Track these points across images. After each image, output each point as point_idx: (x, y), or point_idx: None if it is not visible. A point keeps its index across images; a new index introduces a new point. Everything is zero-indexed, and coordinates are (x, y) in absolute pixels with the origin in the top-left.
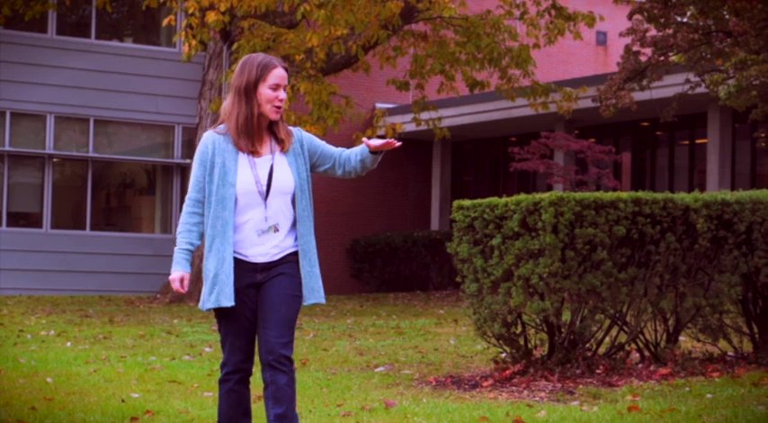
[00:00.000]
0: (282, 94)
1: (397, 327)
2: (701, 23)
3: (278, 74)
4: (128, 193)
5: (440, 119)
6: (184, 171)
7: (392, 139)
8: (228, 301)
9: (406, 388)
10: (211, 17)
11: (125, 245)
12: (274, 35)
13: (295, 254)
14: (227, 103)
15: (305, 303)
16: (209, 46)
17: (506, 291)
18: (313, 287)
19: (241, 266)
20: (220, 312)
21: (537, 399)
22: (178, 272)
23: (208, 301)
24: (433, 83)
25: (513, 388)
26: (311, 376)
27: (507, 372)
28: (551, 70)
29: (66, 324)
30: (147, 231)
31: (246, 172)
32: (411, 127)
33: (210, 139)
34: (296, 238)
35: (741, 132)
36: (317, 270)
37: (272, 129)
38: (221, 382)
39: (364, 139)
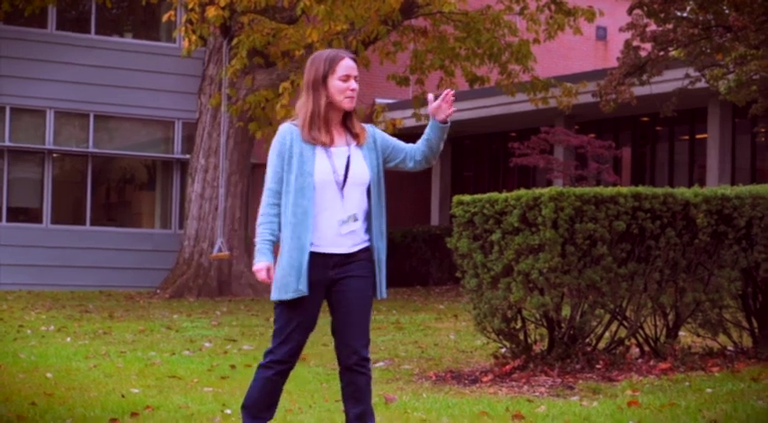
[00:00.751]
0: (354, 84)
1: (396, 322)
2: (700, 18)
3: (346, 64)
4: (128, 188)
5: None
6: (184, 166)
7: (448, 94)
8: (305, 290)
9: (405, 383)
10: (211, 12)
11: (125, 240)
12: (274, 30)
13: (367, 250)
14: (301, 99)
15: (380, 297)
16: (209, 41)
17: (506, 286)
18: (381, 281)
19: (315, 259)
20: (287, 302)
21: (537, 394)
22: (263, 262)
23: (285, 290)
24: (433, 78)
25: (513, 383)
26: (311, 371)
27: (507, 367)
28: (551, 65)
29: (66, 319)
30: (147, 227)
31: (324, 162)
32: (411, 122)
33: (288, 131)
34: (367, 231)
35: (741, 127)
36: (384, 265)
37: (346, 123)
38: (262, 367)
39: (429, 95)
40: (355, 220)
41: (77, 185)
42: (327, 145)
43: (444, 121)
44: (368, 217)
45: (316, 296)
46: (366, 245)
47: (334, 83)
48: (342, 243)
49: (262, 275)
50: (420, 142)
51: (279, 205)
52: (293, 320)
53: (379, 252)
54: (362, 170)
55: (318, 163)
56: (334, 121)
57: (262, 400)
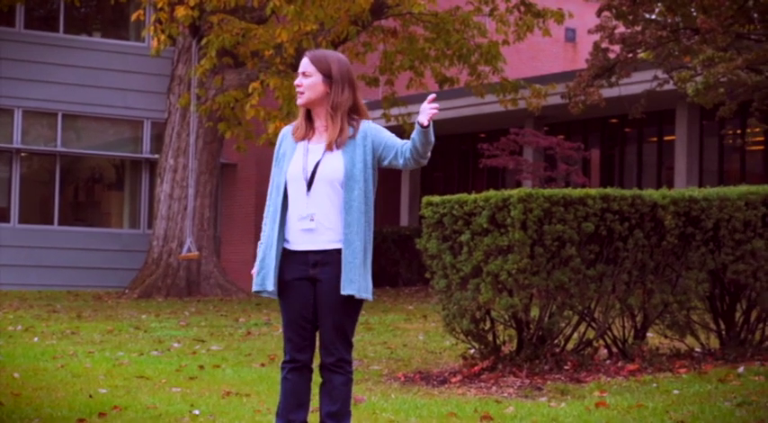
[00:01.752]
0: (297, 80)
1: (366, 322)
2: (669, 21)
3: (302, 63)
4: (96, 188)
5: (409, 114)
6: (153, 166)
7: (430, 98)
8: (271, 284)
9: (374, 384)
10: (180, 12)
11: (93, 240)
12: (244, 30)
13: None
14: None
15: (341, 293)
16: (178, 41)
17: (475, 287)
18: (352, 278)
19: (292, 257)
20: (280, 301)
21: (505, 395)
22: (255, 268)
23: (254, 284)
24: (403, 79)
25: (482, 384)
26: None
27: (476, 368)
28: (520, 67)
29: (34, 319)
30: (116, 226)
31: (299, 159)
32: (380, 123)
33: (282, 133)
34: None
35: (709, 129)
36: (359, 261)
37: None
38: (280, 369)
39: (428, 99)
40: (311, 220)
41: (45, 185)
42: (304, 139)
43: (425, 126)
44: (346, 213)
45: (299, 293)
46: (341, 245)
47: None
48: (313, 240)
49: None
50: (409, 141)
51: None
52: (284, 319)
53: (354, 246)
54: (334, 167)
55: (294, 159)
56: (319, 117)
57: (287, 402)
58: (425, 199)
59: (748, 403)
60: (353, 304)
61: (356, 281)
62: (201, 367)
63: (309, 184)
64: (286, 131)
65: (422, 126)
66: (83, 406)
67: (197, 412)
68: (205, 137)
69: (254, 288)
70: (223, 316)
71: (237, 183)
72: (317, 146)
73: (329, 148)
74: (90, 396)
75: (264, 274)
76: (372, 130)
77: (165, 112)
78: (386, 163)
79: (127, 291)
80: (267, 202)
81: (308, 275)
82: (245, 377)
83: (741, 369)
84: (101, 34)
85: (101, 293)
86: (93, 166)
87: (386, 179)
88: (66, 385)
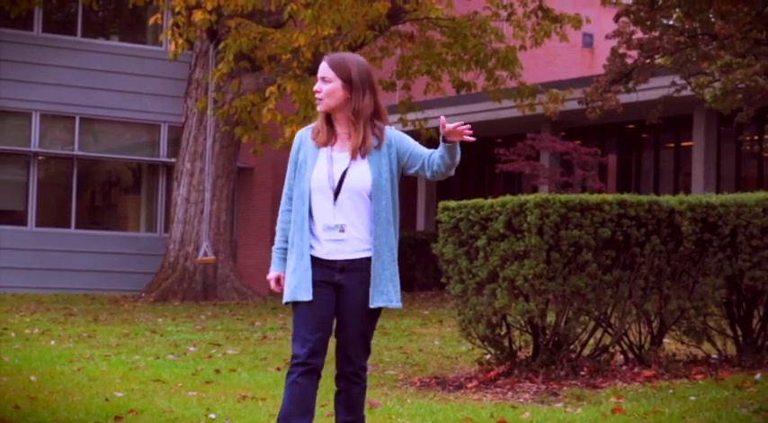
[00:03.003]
0: (316, 86)
1: (381, 327)
2: (686, 26)
3: (320, 67)
4: (113, 191)
5: (426, 119)
6: (170, 170)
7: (465, 127)
8: (306, 295)
9: (390, 388)
10: (198, 16)
11: (110, 243)
12: (261, 34)
13: (370, 259)
14: None
15: (371, 305)
16: (196, 45)
17: (491, 292)
18: (382, 289)
19: (319, 263)
20: (296, 305)
21: (521, 400)
22: (274, 272)
23: (287, 294)
24: (420, 83)
25: (498, 389)
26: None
27: (492, 373)
28: (538, 72)
29: (51, 322)
30: (133, 230)
31: (323, 167)
32: (397, 127)
33: (299, 136)
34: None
35: (726, 135)
36: (390, 272)
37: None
38: (287, 374)
39: (442, 117)
40: (341, 231)
41: (63, 188)
42: (326, 145)
43: (452, 142)
44: (375, 224)
45: (323, 296)
46: (369, 254)
47: None
48: (341, 249)
49: (272, 285)
50: (436, 154)
51: (291, 211)
52: (302, 321)
53: (383, 258)
54: (362, 176)
55: (317, 168)
56: (340, 123)
57: (293, 408)
58: (442, 204)
59: (765, 410)
60: (377, 312)
61: (386, 293)
62: (217, 371)
63: (336, 193)
64: (304, 135)
65: (446, 141)
66: (99, 409)
67: (213, 416)
68: (222, 141)
69: (287, 299)
70: (239, 320)
71: (254, 187)
72: (341, 154)
73: (353, 156)
74: (106, 399)
75: (297, 284)
76: (396, 138)
77: (182, 115)
78: (412, 171)
79: (143, 294)
80: (284, 207)
81: (333, 280)
82: (261, 381)
83: (758, 376)
84: (118, 38)
85: (117, 297)
86: (110, 170)
87: (402, 184)
88: (82, 389)
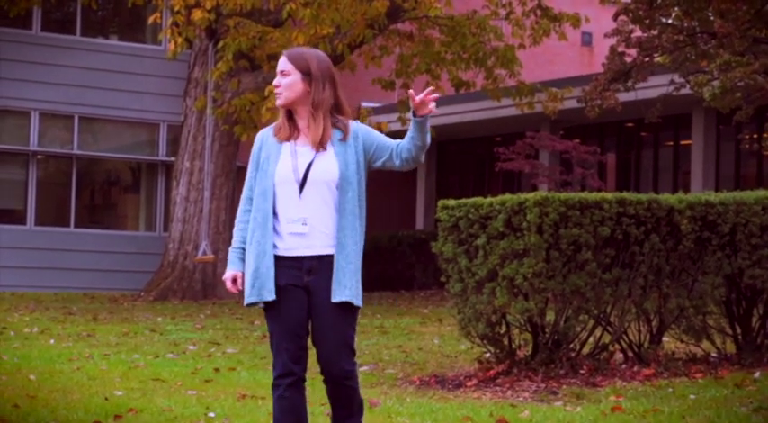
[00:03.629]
0: (275, 80)
1: (381, 326)
2: (685, 25)
3: (279, 62)
4: (112, 190)
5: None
6: (169, 169)
7: (431, 91)
8: (270, 294)
9: (389, 387)
10: (197, 15)
11: (109, 242)
12: (260, 33)
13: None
14: None
15: (332, 300)
16: (195, 44)
17: (491, 291)
18: (345, 283)
19: (284, 263)
20: (268, 311)
21: (521, 399)
22: (231, 271)
23: (249, 295)
24: (419, 82)
25: (497, 388)
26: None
27: (491, 372)
28: (537, 70)
29: (50, 321)
30: (132, 229)
31: (286, 161)
32: (396, 126)
33: (260, 136)
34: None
35: (725, 134)
36: (353, 266)
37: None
38: (273, 387)
39: (410, 91)
40: (303, 224)
41: (62, 187)
42: (288, 140)
43: (423, 116)
44: (340, 215)
45: (294, 299)
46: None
47: None
48: (306, 244)
49: (228, 285)
50: (405, 140)
51: (251, 211)
52: (276, 329)
53: (347, 251)
54: (328, 168)
55: (281, 162)
56: (301, 117)
57: (285, 420)
58: (441, 202)
59: (765, 408)
60: (352, 310)
61: (350, 287)
62: (217, 370)
63: (302, 186)
64: (265, 134)
65: (420, 117)
66: (98, 408)
67: (212, 415)
68: (221, 140)
69: (249, 300)
70: (238, 319)
71: None
72: (304, 147)
73: (315, 147)
74: (106, 398)
75: (261, 285)
76: (363, 130)
77: (181, 115)
78: (379, 164)
79: (143, 293)
80: (243, 207)
81: (302, 283)
82: (261, 380)
83: (757, 374)
84: (117, 37)
85: (117, 296)
86: (110, 169)
87: (402, 183)
88: (81, 387)
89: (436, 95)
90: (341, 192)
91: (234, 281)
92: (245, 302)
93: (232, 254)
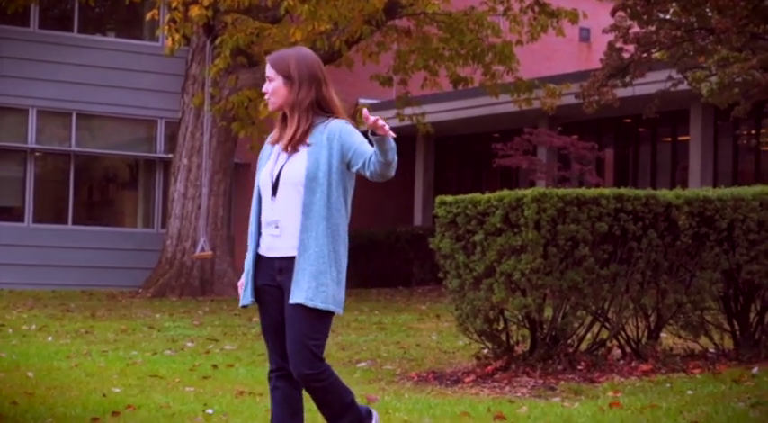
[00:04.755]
0: (264, 87)
1: (379, 322)
2: (683, 20)
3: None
4: (110, 187)
5: (423, 114)
6: (167, 166)
7: (383, 125)
8: (250, 295)
9: (387, 383)
10: (195, 11)
11: (107, 239)
12: (258, 30)
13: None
14: None
15: (289, 302)
16: (193, 40)
17: (488, 287)
18: (303, 286)
19: (263, 264)
20: (258, 309)
21: (518, 394)
22: (242, 279)
23: (241, 299)
24: (417, 78)
25: (495, 384)
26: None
27: (489, 367)
28: (534, 66)
29: (48, 318)
30: (130, 226)
31: (270, 165)
32: (394, 123)
33: (267, 140)
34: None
35: (723, 130)
36: (314, 269)
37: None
38: (268, 380)
39: (364, 110)
40: (276, 226)
41: (60, 184)
42: (276, 142)
43: (379, 135)
44: (304, 216)
45: (272, 299)
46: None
47: None
48: (278, 246)
49: (240, 291)
50: (373, 154)
51: None
52: (263, 327)
53: (309, 252)
54: (297, 169)
55: (267, 166)
56: (291, 120)
57: (279, 411)
58: (439, 198)
59: (762, 404)
60: (318, 313)
61: (306, 289)
62: (215, 366)
63: (275, 188)
64: (270, 137)
65: (374, 135)
66: (96, 405)
67: (210, 411)
68: (219, 136)
69: (242, 302)
70: (237, 315)
71: (251, 182)
72: (283, 150)
73: (285, 149)
74: (103, 395)
75: (245, 286)
76: (344, 132)
77: (178, 111)
78: (354, 170)
79: (141, 290)
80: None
81: (275, 283)
82: (259, 376)
83: (755, 370)
84: (115, 34)
85: (115, 293)
86: (107, 166)
87: (399, 180)
88: (79, 384)
89: (386, 127)
90: (308, 192)
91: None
92: (240, 305)
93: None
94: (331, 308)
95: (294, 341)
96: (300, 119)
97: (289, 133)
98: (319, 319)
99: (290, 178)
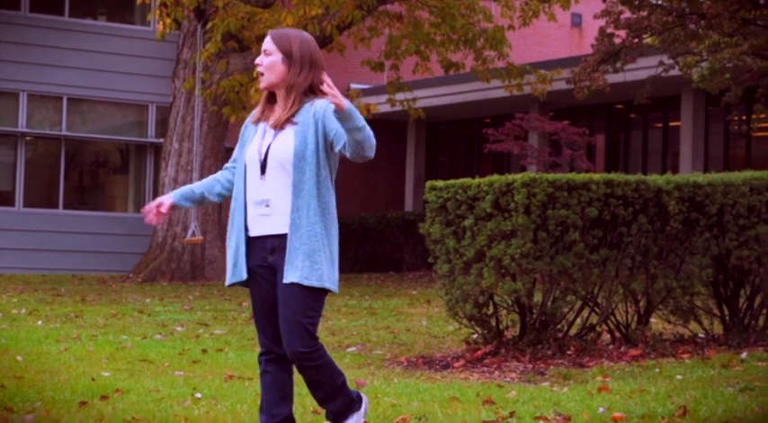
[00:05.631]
0: (257, 59)
1: (369, 307)
2: (674, 6)
3: (264, 41)
4: (101, 172)
5: (414, 100)
6: (158, 150)
7: (333, 93)
8: (243, 273)
9: (377, 368)
10: None
11: (98, 224)
12: (249, 14)
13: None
14: None
15: (284, 281)
16: (184, 25)
17: (478, 271)
18: (297, 265)
19: (253, 243)
20: (249, 292)
21: (508, 379)
22: (162, 197)
23: (229, 276)
24: (408, 63)
25: (485, 368)
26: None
27: (479, 352)
28: (526, 52)
29: (38, 303)
30: (120, 211)
31: (255, 143)
32: (386, 108)
33: (249, 116)
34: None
35: (714, 115)
36: (307, 248)
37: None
38: (258, 363)
39: (325, 83)
40: (267, 205)
41: (50, 169)
42: (260, 121)
43: (340, 110)
44: (294, 196)
45: (264, 280)
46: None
47: None
48: (269, 224)
49: (152, 205)
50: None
51: (227, 172)
52: (253, 309)
53: (301, 231)
54: (284, 147)
55: (252, 144)
56: (279, 98)
57: (268, 395)
58: (429, 183)
59: (751, 389)
60: (310, 292)
61: (300, 268)
62: (204, 351)
63: (263, 166)
64: (252, 114)
65: (338, 112)
66: (85, 389)
67: (199, 396)
68: (210, 121)
69: (229, 281)
70: (227, 300)
71: None
72: (271, 128)
73: (274, 126)
74: (93, 379)
75: (237, 265)
76: (327, 112)
77: (169, 96)
78: (337, 150)
79: (131, 275)
80: (227, 166)
81: (267, 263)
82: (248, 361)
83: (744, 355)
84: (106, 18)
85: (105, 277)
86: (98, 151)
87: (390, 164)
88: (69, 368)
89: (336, 97)
90: (297, 171)
91: (158, 206)
92: (226, 283)
93: (177, 190)
94: (326, 285)
95: (288, 320)
96: (295, 100)
97: (280, 113)
98: (314, 298)
99: (277, 156)
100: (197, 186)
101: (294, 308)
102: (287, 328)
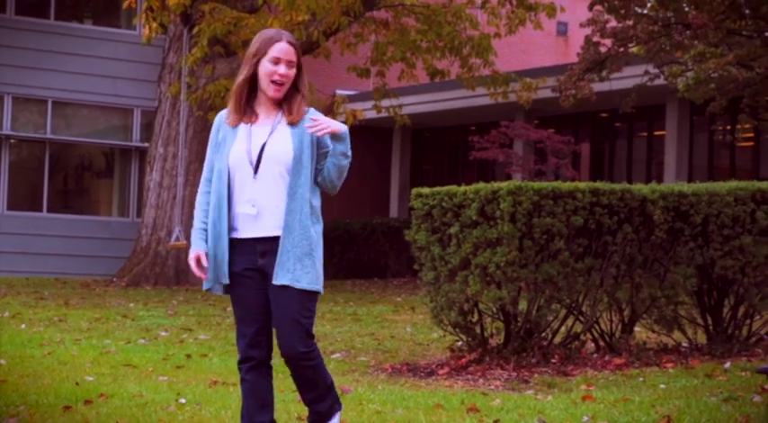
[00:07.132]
0: (282, 69)
1: (354, 314)
2: (660, 15)
3: (280, 47)
4: (85, 175)
5: (400, 106)
6: (142, 154)
7: (331, 128)
8: (224, 278)
9: (361, 375)
10: (172, 0)
11: (82, 227)
12: (235, 20)
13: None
14: None
15: (273, 282)
16: (170, 29)
17: (463, 279)
18: (289, 267)
19: (240, 247)
20: (231, 296)
21: (492, 387)
22: (194, 251)
23: (207, 280)
24: (394, 70)
25: (469, 376)
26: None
27: (463, 360)
28: (512, 60)
29: (21, 306)
30: (105, 214)
31: (241, 142)
32: (371, 114)
33: (218, 118)
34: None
35: (699, 125)
36: (300, 251)
37: (282, 104)
38: (238, 372)
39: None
40: (253, 205)
41: (34, 172)
42: (247, 123)
43: (340, 133)
44: (290, 198)
45: (250, 285)
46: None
47: (264, 64)
48: (258, 226)
49: (192, 265)
50: (329, 158)
51: (208, 195)
52: (236, 314)
53: (294, 234)
54: (283, 148)
55: (236, 144)
56: (260, 100)
57: (248, 404)
58: (415, 190)
59: (734, 398)
60: (307, 294)
61: (292, 271)
62: (189, 356)
63: (256, 167)
64: (222, 116)
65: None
66: (69, 393)
67: (183, 401)
68: (195, 126)
69: (206, 285)
70: (211, 305)
71: None
72: (262, 128)
73: (291, 123)
74: (76, 383)
75: (217, 269)
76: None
77: (155, 100)
78: (318, 167)
79: (115, 279)
80: (203, 189)
81: (256, 266)
82: (232, 366)
83: (728, 364)
84: (92, 22)
85: (89, 281)
86: (83, 154)
87: (376, 171)
88: (52, 372)
89: (317, 127)
90: (294, 174)
91: (198, 261)
92: (203, 287)
93: (194, 235)
94: (316, 288)
95: (287, 321)
96: (302, 105)
97: (299, 115)
98: (308, 299)
99: (274, 157)
100: (202, 222)
101: (293, 308)
102: (286, 330)
